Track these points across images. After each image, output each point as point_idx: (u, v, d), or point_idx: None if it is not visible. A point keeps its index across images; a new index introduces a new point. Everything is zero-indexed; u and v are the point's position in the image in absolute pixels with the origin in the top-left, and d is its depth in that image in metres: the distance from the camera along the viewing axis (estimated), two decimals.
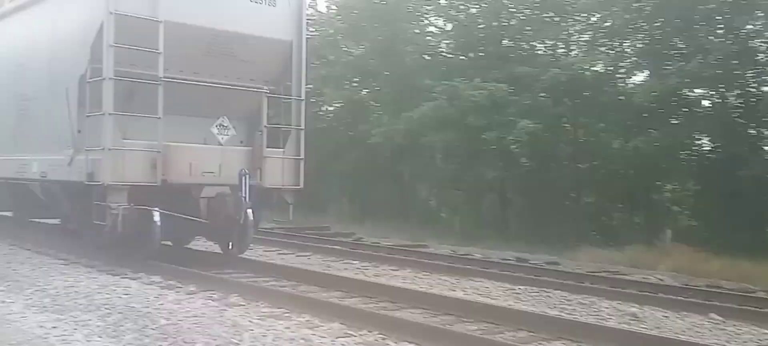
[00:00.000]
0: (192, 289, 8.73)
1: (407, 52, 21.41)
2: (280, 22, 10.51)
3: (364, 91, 23.82)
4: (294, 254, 12.86)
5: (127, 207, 8.93)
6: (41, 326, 6.66)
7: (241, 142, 10.47)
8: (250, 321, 6.90)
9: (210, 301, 7.96)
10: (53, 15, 10.59)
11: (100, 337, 6.42)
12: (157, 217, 9.10)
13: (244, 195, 9.48)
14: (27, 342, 5.96)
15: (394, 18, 21.38)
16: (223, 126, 9.77)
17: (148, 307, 7.30)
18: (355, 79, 23.68)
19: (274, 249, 13.36)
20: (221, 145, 9.76)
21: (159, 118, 9.10)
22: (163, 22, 9.09)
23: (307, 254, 12.95)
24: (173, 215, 9.28)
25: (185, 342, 6.16)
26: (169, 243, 10.85)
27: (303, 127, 10.91)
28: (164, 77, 9.10)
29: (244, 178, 9.55)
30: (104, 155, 8.91)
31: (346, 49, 23.63)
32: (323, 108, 24.53)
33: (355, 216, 21.61)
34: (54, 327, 6.66)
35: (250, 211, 9.57)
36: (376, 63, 22.03)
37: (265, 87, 10.33)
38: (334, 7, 23.68)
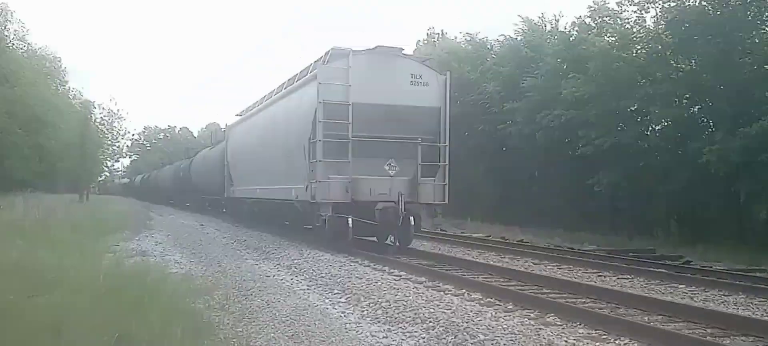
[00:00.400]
0: (510, 306, 8.78)
1: (745, 64, 20.26)
2: (432, 95, 16.02)
3: (695, 108, 22.55)
4: (615, 277, 12.43)
5: (331, 215, 14.89)
6: (373, 336, 7.18)
7: (405, 174, 15.25)
8: (565, 342, 6.70)
9: (527, 319, 7.87)
10: (296, 103, 17.12)
11: None
12: (350, 221, 14.66)
13: (400, 208, 14.41)
14: None
15: (731, 29, 19.97)
16: (392, 165, 15.12)
17: (467, 322, 7.50)
18: (686, 96, 22.51)
19: (593, 271, 13.12)
20: (390, 176, 15.05)
21: (349, 162, 14.84)
22: (351, 104, 14.82)
23: (629, 276, 12.42)
24: (359, 220, 14.62)
25: None
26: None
27: (447, 163, 16.16)
28: (352, 137, 14.82)
29: (400, 197, 14.50)
30: (318, 185, 14.77)
31: (675, 64, 22.71)
32: (650, 128, 23.82)
33: (684, 238, 21.06)
34: (384, 337, 7.14)
35: (411, 218, 14.82)
36: (709, 77, 21.09)
37: (420, 138, 15.30)
38: (662, 23, 22.66)
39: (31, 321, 5.89)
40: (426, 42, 47.97)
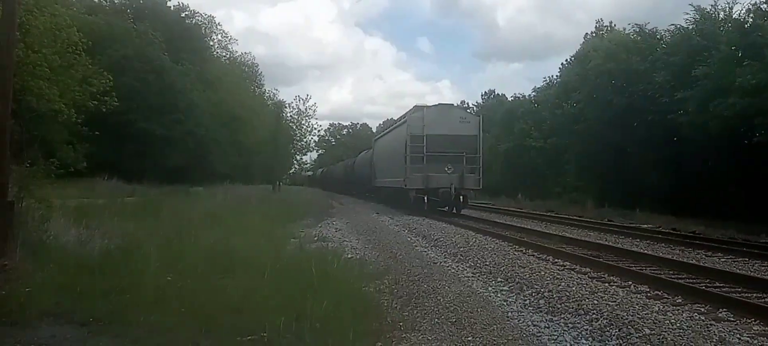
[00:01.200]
0: (679, 300, 8.23)
1: None
2: (471, 129, 25.82)
3: None
4: None
5: (414, 195, 25.06)
6: (535, 325, 7.06)
7: (456, 172, 24.94)
8: (738, 339, 6.19)
9: (696, 314, 7.34)
10: (398, 134, 28.22)
11: (586, 340, 6.50)
12: (425, 199, 24.67)
13: (451, 190, 24.49)
14: (522, 339, 6.37)
15: None
16: (448, 168, 24.78)
17: (633, 315, 7.16)
18: None
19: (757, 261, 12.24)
20: (448, 174, 24.77)
21: (424, 166, 24.81)
22: (425, 135, 25.03)
23: None
24: (428, 197, 24.59)
25: None
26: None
27: (482, 166, 25.91)
28: (426, 153, 24.97)
29: (452, 186, 24.61)
30: (407, 178, 25.05)
31: None
32: None
33: None
34: (546, 327, 6.99)
35: (461, 197, 25.05)
36: None
37: (465, 153, 25.03)
38: None
39: (219, 300, 6.54)
40: (594, 34, 45.83)
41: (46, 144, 15.64)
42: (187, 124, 40.96)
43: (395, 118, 36.09)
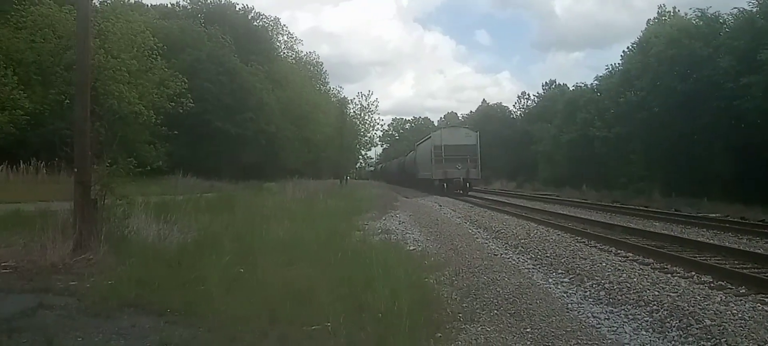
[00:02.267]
0: (742, 290, 7.89)
1: None
2: (472, 140, 38.24)
3: None
4: None
5: (438, 183, 37.17)
6: (594, 317, 6.92)
7: (463, 168, 37.07)
8: None
9: (760, 305, 7.05)
10: (427, 144, 41.89)
11: (646, 331, 6.35)
12: (445, 186, 36.73)
13: (461, 180, 36.99)
14: (581, 330, 6.27)
15: None
16: (458, 165, 36.80)
17: (694, 306, 6.95)
18: None
19: None
20: (458, 169, 36.79)
21: (443, 164, 37.27)
22: (443, 145, 37.80)
23: None
24: (447, 184, 36.84)
25: (729, 345, 5.59)
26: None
27: (479, 163, 37.80)
28: (444, 157, 37.39)
29: (461, 178, 37.04)
30: (433, 172, 37.77)
31: None
32: None
33: None
34: (606, 319, 6.85)
35: (467, 184, 37.55)
36: None
37: (468, 156, 37.06)
38: None
39: (286, 291, 6.71)
40: (656, 20, 44.07)
41: (127, 144, 16.44)
42: (258, 122, 42.04)
43: (428, 134, 50.64)
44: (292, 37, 71.28)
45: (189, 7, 52.51)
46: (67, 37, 17.14)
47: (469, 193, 36.67)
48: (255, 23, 58.25)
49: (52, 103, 21.70)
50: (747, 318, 6.35)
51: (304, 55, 73.99)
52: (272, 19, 66.28)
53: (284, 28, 69.68)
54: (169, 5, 51.91)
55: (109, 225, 9.37)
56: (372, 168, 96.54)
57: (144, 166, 12.27)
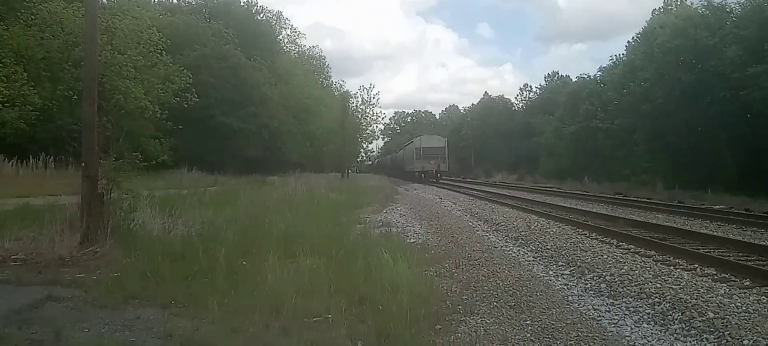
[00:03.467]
0: (746, 283, 7.89)
1: None
2: (442, 144, 53.71)
3: None
4: None
5: (417, 174, 51.49)
6: (595, 309, 6.94)
7: (436, 163, 51.77)
8: None
9: (764, 297, 7.05)
10: (410, 147, 57.26)
11: (648, 324, 6.37)
12: (422, 175, 51.11)
13: (433, 172, 51.19)
14: (581, 323, 6.29)
15: None
16: (431, 161, 51.40)
17: (697, 299, 6.94)
18: None
19: None
20: (432, 164, 51.42)
21: (421, 160, 51.87)
22: (421, 148, 52.45)
23: None
24: (424, 174, 51.42)
25: (732, 338, 5.61)
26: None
27: (447, 159, 53.55)
28: (422, 156, 52.01)
29: (434, 170, 51.16)
30: (413, 166, 52.69)
31: None
32: None
33: None
34: (607, 311, 6.86)
35: (438, 175, 51.48)
36: None
37: (440, 155, 51.98)
38: None
39: (289, 283, 6.76)
40: (661, 10, 43.86)
41: (132, 138, 16.49)
42: (261, 117, 42.07)
43: (404, 141, 68.44)
44: (296, 32, 71.31)
45: (193, 2, 52.47)
46: (75, 33, 17.29)
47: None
48: (258, 17, 58.21)
49: (61, 99, 21.77)
50: (751, 311, 6.35)
51: (307, 49, 74.06)
52: (275, 13, 66.27)
53: (287, 23, 69.58)
54: (175, 1, 51.90)
55: (116, 218, 9.46)
56: (370, 162, 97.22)
57: (149, 160, 12.29)
